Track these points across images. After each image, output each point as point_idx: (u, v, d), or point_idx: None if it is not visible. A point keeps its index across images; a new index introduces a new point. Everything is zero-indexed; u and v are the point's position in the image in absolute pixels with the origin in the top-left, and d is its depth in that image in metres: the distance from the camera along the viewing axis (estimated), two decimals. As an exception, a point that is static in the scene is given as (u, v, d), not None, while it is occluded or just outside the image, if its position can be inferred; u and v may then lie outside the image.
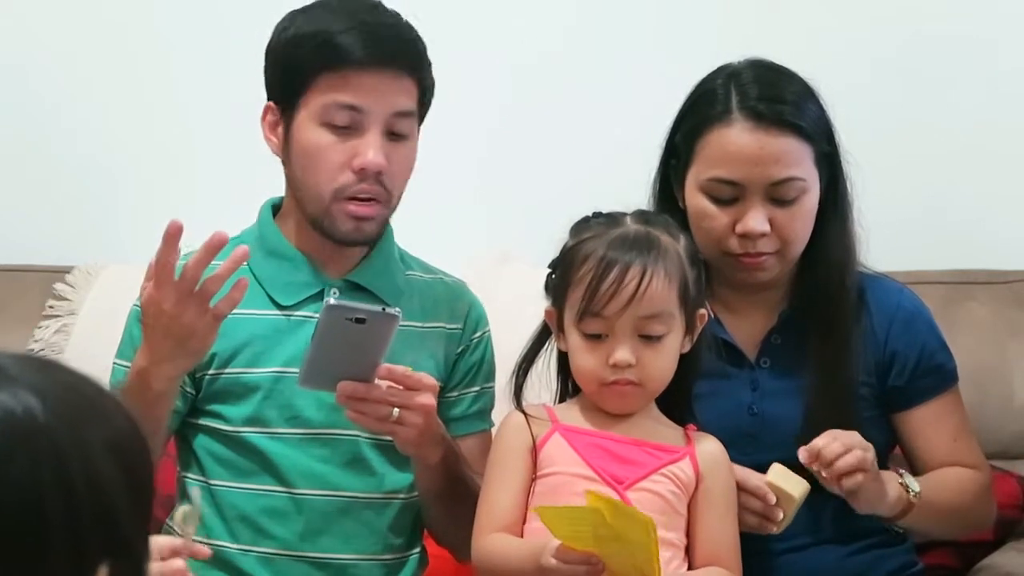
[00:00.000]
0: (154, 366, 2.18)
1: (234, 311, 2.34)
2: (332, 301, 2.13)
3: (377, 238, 2.37)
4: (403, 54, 2.31)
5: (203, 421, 2.36)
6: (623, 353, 2.17)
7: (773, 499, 2.23)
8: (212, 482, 2.34)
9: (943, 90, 3.23)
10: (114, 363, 2.38)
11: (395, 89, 2.31)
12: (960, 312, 2.89)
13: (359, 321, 2.10)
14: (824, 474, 2.22)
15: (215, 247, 2.13)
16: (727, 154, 2.35)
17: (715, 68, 2.43)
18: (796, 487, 2.23)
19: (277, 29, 2.36)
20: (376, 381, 2.16)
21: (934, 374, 2.46)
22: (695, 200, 2.38)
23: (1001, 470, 2.78)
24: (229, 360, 2.34)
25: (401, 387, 2.17)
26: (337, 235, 2.33)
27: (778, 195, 2.35)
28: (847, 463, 2.22)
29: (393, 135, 2.32)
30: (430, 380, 2.21)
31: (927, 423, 2.45)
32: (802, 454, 2.23)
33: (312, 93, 2.31)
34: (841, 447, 2.22)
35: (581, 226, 2.25)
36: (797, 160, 2.35)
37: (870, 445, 2.25)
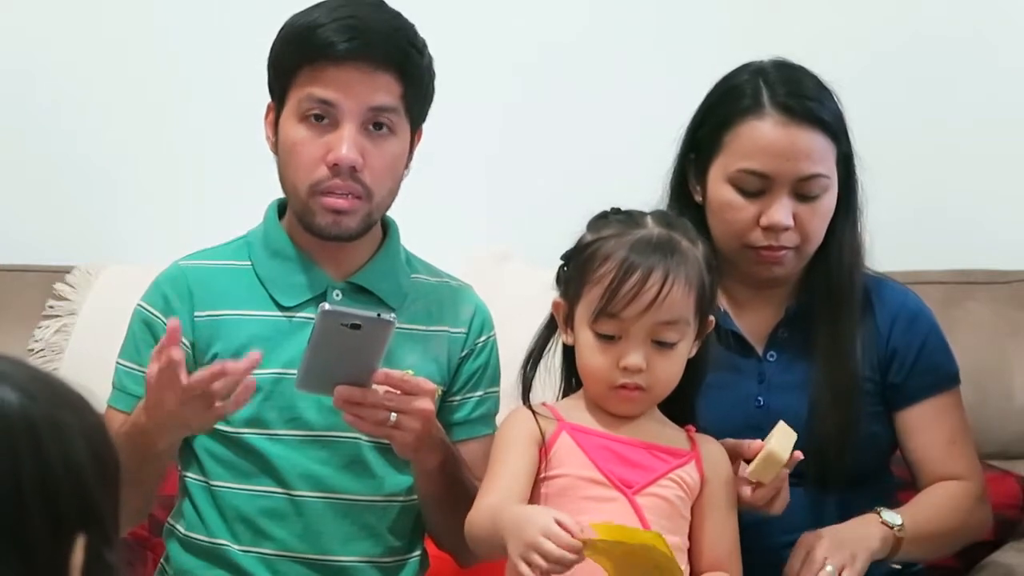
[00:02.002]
0: (158, 434, 2.20)
1: (236, 311, 2.35)
2: (327, 306, 2.12)
3: (361, 234, 2.35)
4: (381, 48, 2.28)
5: None
6: (635, 358, 2.16)
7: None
8: (212, 483, 2.34)
9: (943, 90, 3.23)
10: (117, 362, 2.38)
11: (372, 84, 2.29)
12: (960, 312, 2.89)
13: (354, 327, 2.09)
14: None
15: (172, 341, 2.11)
16: (758, 147, 2.37)
17: (737, 67, 2.45)
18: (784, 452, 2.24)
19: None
20: (373, 386, 2.15)
21: (932, 372, 2.47)
22: (720, 191, 2.40)
23: (1001, 470, 2.78)
24: None
25: (399, 392, 2.17)
26: (317, 230, 2.32)
27: (803, 191, 2.38)
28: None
29: (373, 131, 2.30)
30: (428, 385, 2.20)
31: (923, 422, 2.46)
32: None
33: (294, 88, 2.31)
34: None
35: (600, 222, 2.23)
36: (823, 157, 2.38)
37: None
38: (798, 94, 2.38)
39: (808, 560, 2.26)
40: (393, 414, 2.16)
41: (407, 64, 2.31)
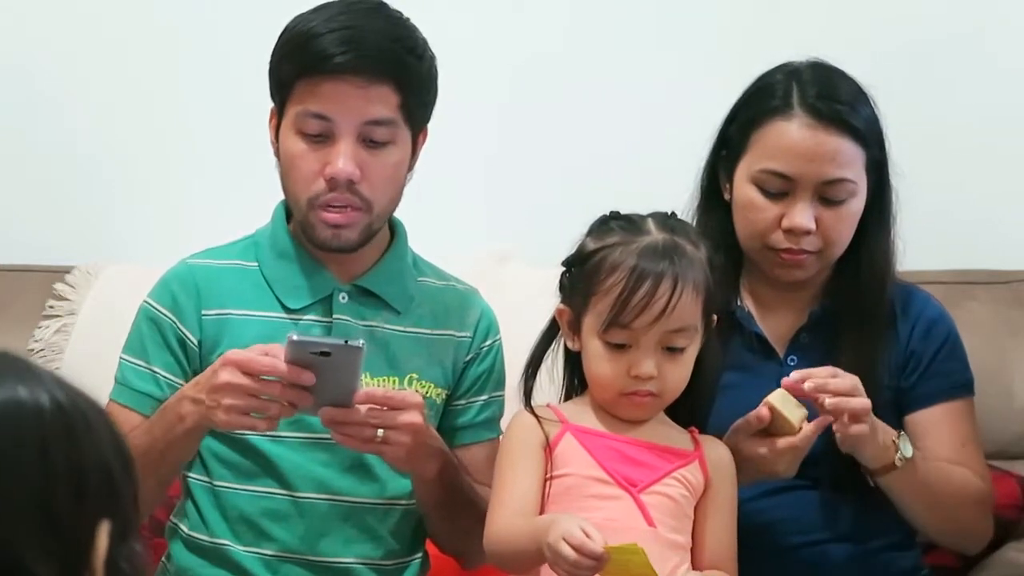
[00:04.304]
0: (191, 405, 2.20)
1: (242, 311, 2.35)
2: (295, 336, 2.12)
3: (362, 244, 2.35)
4: (377, 60, 2.27)
5: None
6: (647, 366, 2.16)
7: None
8: (215, 483, 2.34)
9: (944, 89, 3.23)
10: (121, 358, 2.38)
11: (367, 97, 2.27)
12: (960, 312, 2.88)
13: (324, 354, 2.10)
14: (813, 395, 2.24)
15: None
16: (783, 147, 2.36)
17: (774, 66, 2.44)
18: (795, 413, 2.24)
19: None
20: (356, 405, 2.16)
21: (943, 378, 2.47)
22: (744, 190, 2.40)
23: (1001, 470, 2.78)
24: None
25: (385, 407, 2.17)
26: (317, 242, 2.33)
27: (827, 194, 2.37)
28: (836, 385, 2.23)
29: (371, 143, 2.29)
30: (414, 398, 2.20)
31: (932, 426, 2.45)
32: (793, 375, 2.24)
33: (291, 100, 2.31)
34: (827, 373, 2.24)
35: (603, 229, 2.22)
36: (850, 162, 2.37)
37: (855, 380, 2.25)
38: (829, 97, 2.37)
39: (838, 377, 2.24)
40: (380, 431, 2.16)
41: (404, 73, 2.29)
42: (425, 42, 2.34)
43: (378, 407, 2.16)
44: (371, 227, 2.33)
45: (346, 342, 2.12)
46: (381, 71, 2.27)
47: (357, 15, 2.30)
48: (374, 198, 2.30)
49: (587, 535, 2.00)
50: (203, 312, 2.34)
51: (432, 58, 2.34)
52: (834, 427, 2.25)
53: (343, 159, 2.27)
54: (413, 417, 2.17)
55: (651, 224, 2.21)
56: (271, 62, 2.34)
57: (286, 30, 2.33)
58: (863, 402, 2.24)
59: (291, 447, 2.33)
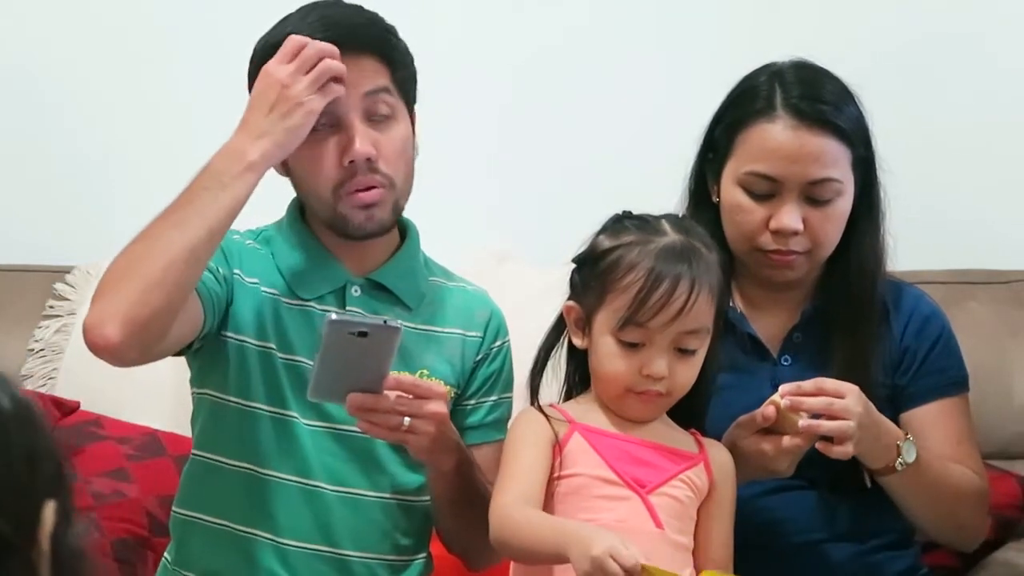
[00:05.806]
0: (251, 140, 2.24)
1: (262, 287, 2.34)
2: (334, 316, 2.13)
3: (392, 225, 2.36)
4: (359, 36, 2.30)
5: (226, 396, 2.35)
6: (659, 366, 2.17)
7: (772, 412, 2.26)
8: (225, 463, 2.33)
9: (943, 89, 3.23)
10: None
11: (360, 71, 2.29)
12: (960, 312, 2.89)
13: (361, 334, 2.10)
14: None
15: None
16: (767, 149, 2.37)
17: (759, 67, 2.45)
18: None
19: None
20: (385, 391, 2.16)
21: (938, 375, 2.48)
22: (731, 193, 2.40)
23: (1000, 470, 2.78)
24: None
25: (411, 396, 2.17)
26: (351, 230, 2.33)
27: (814, 195, 2.37)
28: (814, 404, 2.24)
29: (374, 119, 2.30)
30: (440, 388, 2.21)
31: (927, 424, 2.46)
32: (782, 388, 2.25)
33: None
34: (813, 388, 2.24)
35: (617, 228, 2.23)
36: (835, 161, 2.37)
37: (851, 395, 2.25)
38: (812, 97, 2.37)
39: (835, 393, 2.25)
40: (406, 418, 2.17)
41: (387, 47, 2.32)
42: (395, 28, 2.36)
43: (405, 395, 2.17)
44: (397, 204, 2.34)
45: (385, 322, 2.13)
46: (366, 46, 2.30)
47: (326, 7, 2.33)
48: (393, 174, 2.32)
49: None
50: (234, 271, 2.34)
51: (405, 42, 2.37)
52: (817, 446, 2.26)
53: (359, 139, 2.28)
54: (439, 406, 2.19)
55: (666, 225, 2.22)
56: (250, 80, 2.34)
57: (259, 43, 2.35)
58: (838, 426, 2.23)
59: (304, 434, 2.32)
